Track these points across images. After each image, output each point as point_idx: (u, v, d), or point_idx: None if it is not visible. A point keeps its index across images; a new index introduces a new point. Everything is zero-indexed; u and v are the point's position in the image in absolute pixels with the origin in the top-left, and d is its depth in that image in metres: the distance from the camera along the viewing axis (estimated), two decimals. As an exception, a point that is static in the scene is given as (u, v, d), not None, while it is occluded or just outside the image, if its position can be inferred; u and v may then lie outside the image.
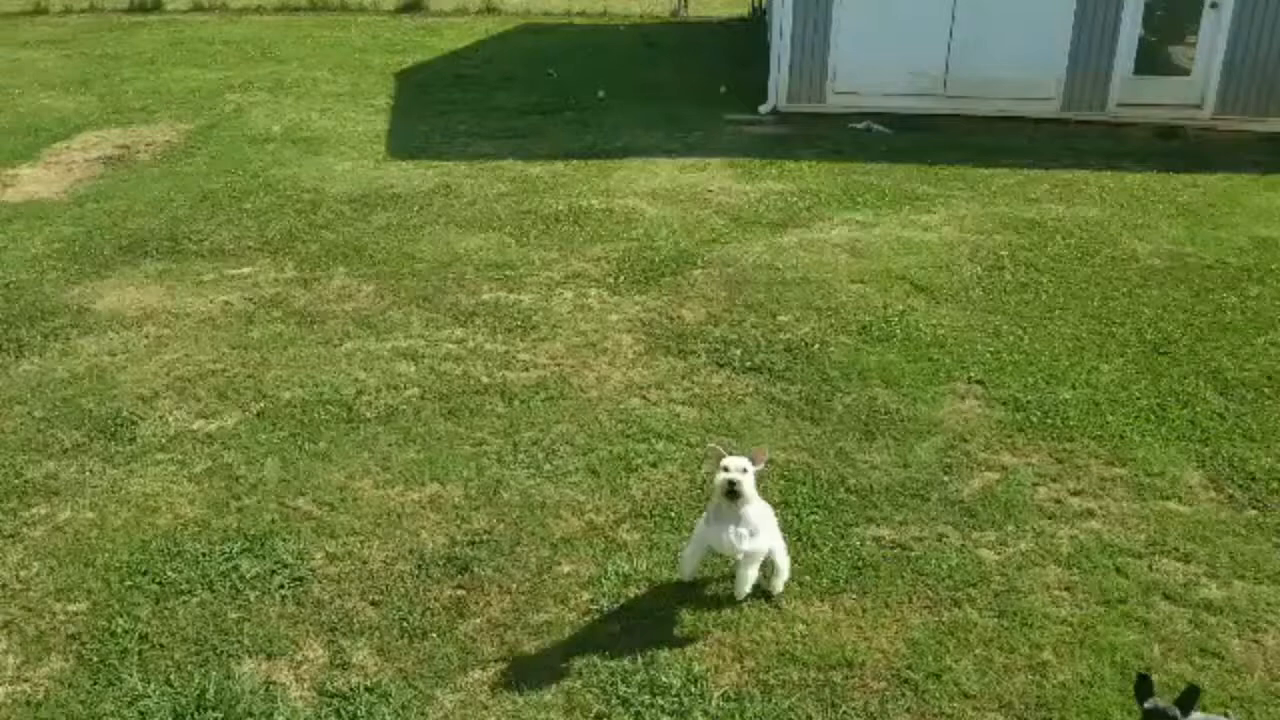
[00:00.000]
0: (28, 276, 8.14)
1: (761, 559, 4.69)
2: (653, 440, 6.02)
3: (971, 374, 6.74)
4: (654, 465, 5.80)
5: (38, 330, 7.29)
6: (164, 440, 6.06)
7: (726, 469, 4.51)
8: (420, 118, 12.43)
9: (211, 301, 7.73)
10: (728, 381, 6.64)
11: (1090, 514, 5.45)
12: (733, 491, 4.50)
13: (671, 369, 6.79)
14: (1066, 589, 4.93)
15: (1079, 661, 4.53)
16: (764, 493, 5.53)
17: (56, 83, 14.07)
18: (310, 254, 8.53)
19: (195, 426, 6.19)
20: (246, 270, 8.25)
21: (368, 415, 6.28)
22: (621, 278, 8.07)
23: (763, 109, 12.54)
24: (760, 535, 4.61)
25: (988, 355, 6.96)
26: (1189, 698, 3.63)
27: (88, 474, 5.76)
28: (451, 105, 12.94)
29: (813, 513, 5.42)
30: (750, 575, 4.69)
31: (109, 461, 5.87)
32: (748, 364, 6.84)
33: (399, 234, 8.92)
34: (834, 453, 5.92)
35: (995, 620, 4.74)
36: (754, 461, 4.58)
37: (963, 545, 5.20)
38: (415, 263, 8.33)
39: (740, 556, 4.63)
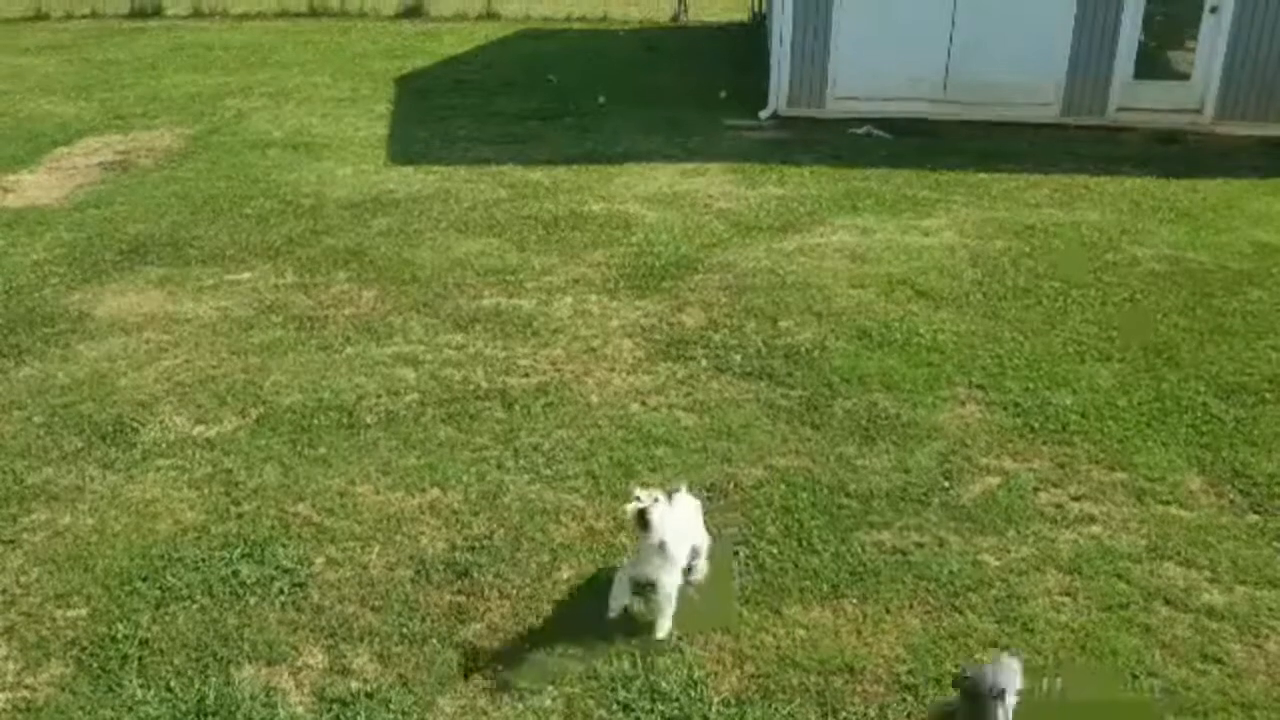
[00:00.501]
0: (28, 282, 8.15)
1: (674, 595, 4.59)
2: (653, 446, 6.01)
3: (972, 379, 6.74)
4: (654, 471, 5.79)
5: (38, 336, 7.30)
6: (164, 446, 6.05)
7: (638, 497, 4.45)
8: (420, 123, 12.44)
9: (212, 307, 7.74)
10: (728, 387, 6.64)
11: (1091, 519, 5.44)
12: (643, 519, 4.41)
13: (671, 374, 6.79)
14: (1067, 594, 4.92)
15: (1080, 667, 4.52)
16: (765, 497, 5.55)
17: (57, 88, 14.10)
18: (310, 259, 8.53)
19: (195, 432, 6.19)
20: (247, 276, 8.25)
21: (368, 421, 6.28)
22: (621, 283, 8.08)
23: (763, 114, 12.55)
24: (673, 570, 4.55)
25: (988, 360, 6.96)
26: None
27: (88, 479, 5.76)
28: (451, 110, 12.96)
29: (813, 518, 5.41)
30: (667, 614, 4.59)
31: (109, 467, 5.87)
32: (748, 369, 6.84)
33: (399, 239, 8.92)
34: (834, 458, 5.92)
35: (996, 626, 4.73)
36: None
37: (963, 550, 5.20)
38: (415, 268, 8.33)
39: (659, 585, 4.55)
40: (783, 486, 5.65)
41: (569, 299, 7.82)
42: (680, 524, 4.61)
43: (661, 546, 4.48)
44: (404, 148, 11.51)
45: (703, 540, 4.86)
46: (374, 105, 13.26)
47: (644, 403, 6.46)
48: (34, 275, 8.27)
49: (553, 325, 7.42)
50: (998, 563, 5.12)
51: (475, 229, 9.16)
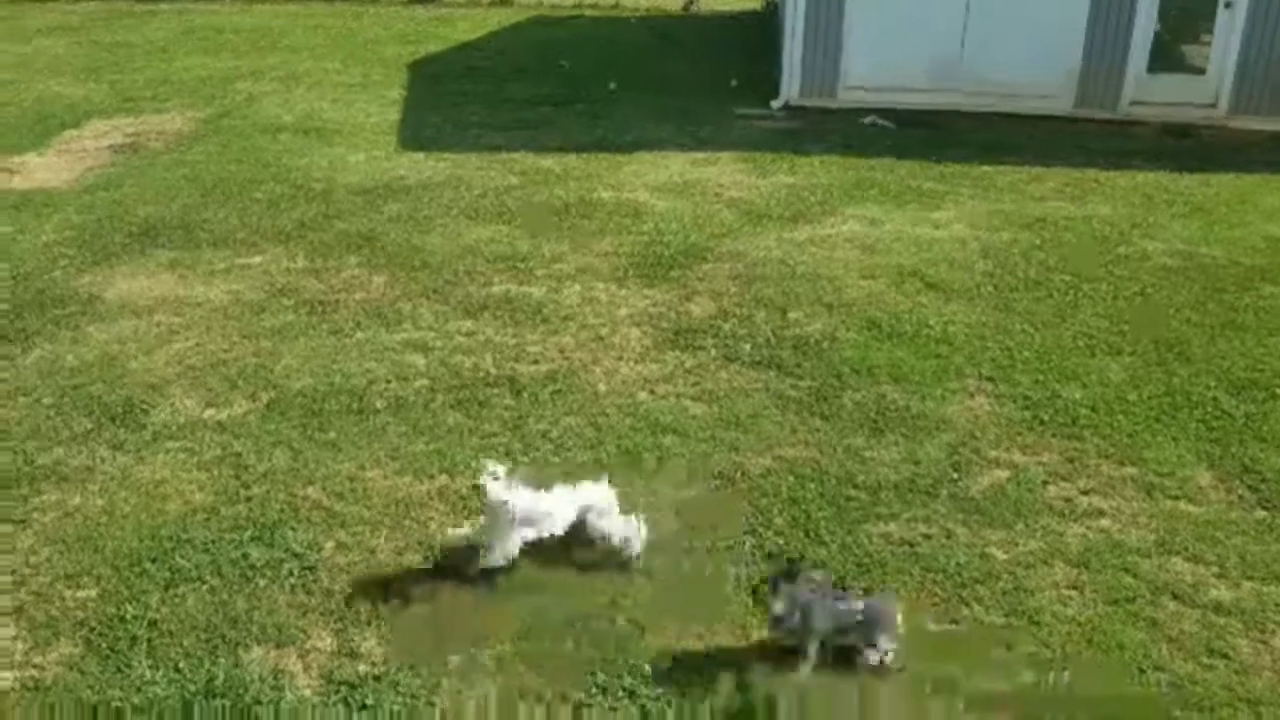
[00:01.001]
0: (38, 265, 8.16)
1: (496, 541, 4.87)
2: (660, 434, 6.02)
3: (982, 371, 6.73)
4: (661, 459, 5.80)
5: (48, 318, 7.31)
6: (174, 428, 6.07)
7: (490, 471, 4.82)
8: (432, 109, 12.43)
9: (223, 290, 7.75)
10: (736, 376, 6.64)
11: (1100, 513, 5.44)
12: (481, 489, 4.83)
13: (680, 363, 6.78)
14: (1075, 588, 4.92)
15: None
16: (773, 487, 5.55)
17: (67, 70, 14.10)
18: (321, 244, 8.53)
19: (205, 415, 6.21)
20: (257, 260, 8.26)
21: (378, 406, 6.29)
22: (631, 271, 8.07)
23: (774, 104, 12.51)
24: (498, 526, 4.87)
25: (998, 353, 6.95)
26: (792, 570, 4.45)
27: (98, 461, 5.78)
28: (463, 97, 12.94)
29: (821, 509, 5.41)
30: (492, 552, 4.87)
31: (119, 449, 5.89)
32: (757, 359, 6.83)
33: (410, 225, 8.92)
34: (843, 449, 5.92)
35: (1003, 619, 4.73)
36: None
37: (971, 543, 5.20)
38: (426, 254, 8.33)
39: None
40: (790, 477, 5.66)
41: (578, 287, 7.81)
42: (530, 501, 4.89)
43: (500, 508, 4.80)
44: (415, 134, 11.50)
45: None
46: (386, 91, 13.24)
47: (652, 391, 6.46)
48: (43, 258, 8.28)
49: (562, 313, 7.42)
50: (1005, 555, 5.12)
51: (486, 216, 9.16)
